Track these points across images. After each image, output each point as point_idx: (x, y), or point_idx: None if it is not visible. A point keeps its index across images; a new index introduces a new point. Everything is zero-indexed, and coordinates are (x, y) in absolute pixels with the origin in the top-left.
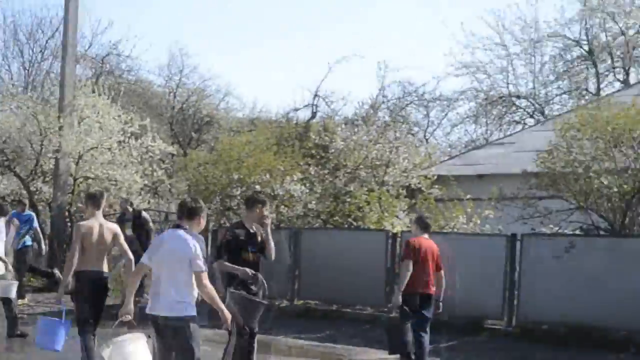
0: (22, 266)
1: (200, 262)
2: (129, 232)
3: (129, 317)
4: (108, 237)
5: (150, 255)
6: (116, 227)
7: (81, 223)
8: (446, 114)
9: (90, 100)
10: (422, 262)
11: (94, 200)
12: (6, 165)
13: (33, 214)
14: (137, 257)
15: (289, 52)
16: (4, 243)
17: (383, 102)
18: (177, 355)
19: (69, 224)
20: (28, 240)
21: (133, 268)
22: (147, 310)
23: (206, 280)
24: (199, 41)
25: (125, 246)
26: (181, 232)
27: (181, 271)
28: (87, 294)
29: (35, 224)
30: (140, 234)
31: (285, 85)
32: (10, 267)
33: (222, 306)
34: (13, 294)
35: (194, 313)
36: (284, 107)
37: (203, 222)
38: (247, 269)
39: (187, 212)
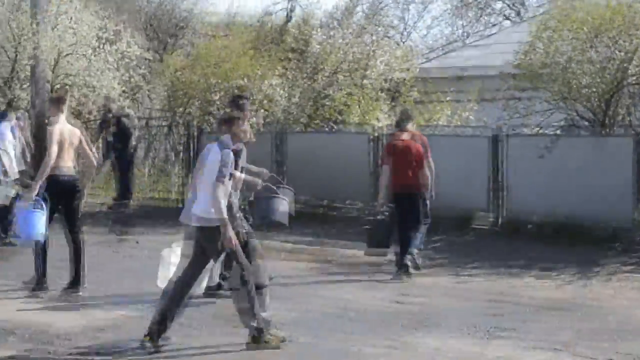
0: None
1: (216, 172)
2: (110, 137)
3: None
4: (75, 140)
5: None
6: (78, 130)
7: (53, 126)
8: (422, 16)
9: (63, 6)
10: (399, 163)
11: (58, 102)
12: None
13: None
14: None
15: None
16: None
17: (358, 5)
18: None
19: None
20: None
21: (94, 171)
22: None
23: (218, 189)
24: None
25: (88, 149)
26: (216, 142)
27: (209, 179)
28: (58, 197)
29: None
30: (119, 139)
31: None
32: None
33: (226, 219)
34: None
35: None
36: (258, 11)
37: (242, 130)
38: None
39: (223, 121)
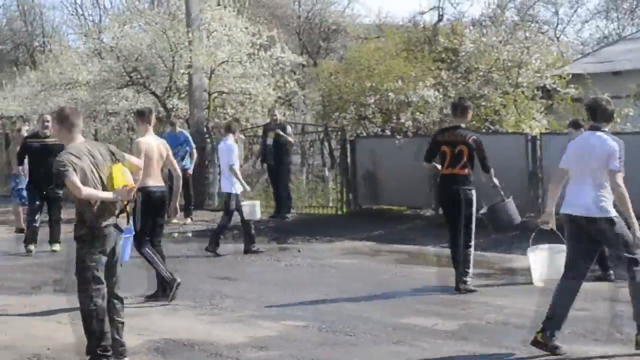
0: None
1: (616, 162)
2: (270, 140)
3: (550, 226)
4: (164, 153)
5: (566, 157)
6: (166, 143)
7: (140, 139)
8: (575, 11)
9: (216, 13)
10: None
11: (142, 116)
12: (141, 83)
13: (188, 134)
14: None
15: None
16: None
17: (510, 1)
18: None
19: (207, 139)
20: (187, 163)
21: (180, 184)
22: (562, 210)
23: (620, 180)
24: None
25: (175, 163)
26: (599, 132)
27: (597, 170)
28: (151, 210)
29: (192, 143)
30: (277, 143)
31: None
32: (247, 187)
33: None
34: (258, 215)
35: (613, 213)
36: (409, 12)
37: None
38: None
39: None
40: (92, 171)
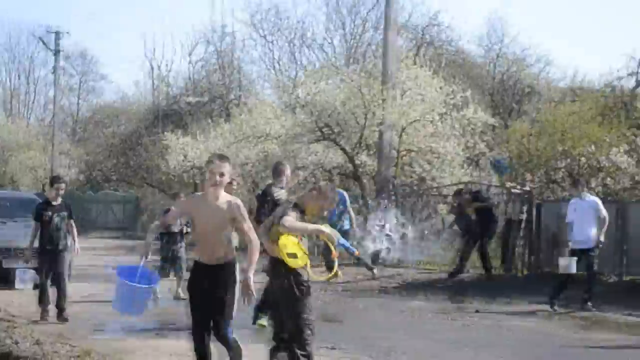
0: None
1: None
2: (473, 215)
3: None
4: None
5: None
6: None
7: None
8: None
9: (412, 72)
10: None
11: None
12: (332, 138)
13: (344, 193)
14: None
15: (608, 18)
16: None
17: None
18: None
19: (393, 197)
20: (346, 224)
21: None
22: None
23: None
24: (517, 9)
25: None
26: None
27: None
28: None
29: (348, 202)
30: (481, 211)
31: (607, 53)
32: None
33: None
34: (574, 270)
35: None
36: (606, 76)
37: None
38: None
39: None
40: None
